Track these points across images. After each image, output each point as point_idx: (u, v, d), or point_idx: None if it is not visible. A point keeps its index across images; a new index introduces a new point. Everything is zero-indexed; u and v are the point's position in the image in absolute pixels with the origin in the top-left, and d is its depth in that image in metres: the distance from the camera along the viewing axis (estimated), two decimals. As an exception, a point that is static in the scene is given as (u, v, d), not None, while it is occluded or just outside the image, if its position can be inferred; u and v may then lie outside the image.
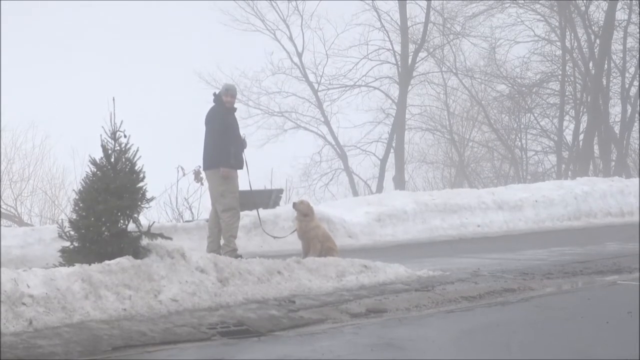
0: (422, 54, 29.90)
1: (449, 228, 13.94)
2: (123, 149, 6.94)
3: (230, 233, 9.75)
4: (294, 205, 9.83)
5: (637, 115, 28.61)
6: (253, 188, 10.71)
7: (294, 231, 10.04)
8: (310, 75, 30.86)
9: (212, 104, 10.29)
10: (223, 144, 9.84)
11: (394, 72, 30.34)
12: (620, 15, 28.44)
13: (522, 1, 29.76)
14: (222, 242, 9.82)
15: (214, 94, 10.36)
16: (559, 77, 29.58)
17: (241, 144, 10.08)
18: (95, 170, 6.91)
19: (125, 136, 6.96)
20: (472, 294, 7.16)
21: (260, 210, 12.09)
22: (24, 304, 5.57)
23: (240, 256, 8.83)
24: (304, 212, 9.57)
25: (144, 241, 6.80)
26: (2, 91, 26.13)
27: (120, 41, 46.08)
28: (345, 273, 7.65)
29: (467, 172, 33.24)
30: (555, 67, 29.96)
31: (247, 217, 11.50)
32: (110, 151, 6.94)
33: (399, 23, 29.39)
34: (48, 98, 39.05)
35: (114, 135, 6.94)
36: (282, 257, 7.99)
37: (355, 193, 29.41)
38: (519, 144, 31.89)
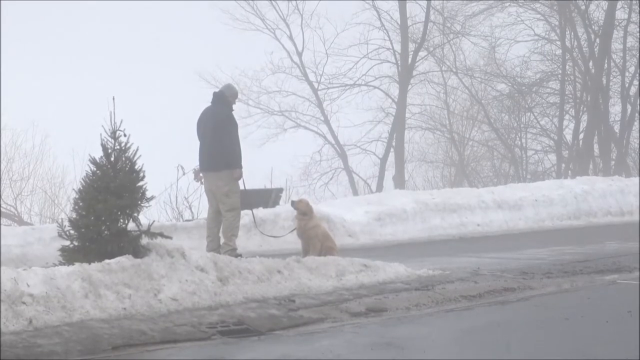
0: (422, 53, 29.88)
1: (449, 227, 13.93)
2: (123, 148, 6.94)
3: (232, 232, 9.73)
4: (293, 203, 9.84)
5: (637, 114, 28.59)
6: (253, 187, 10.70)
7: (293, 230, 10.04)
8: (310, 75, 30.88)
9: (208, 103, 10.13)
10: (237, 145, 9.79)
11: (394, 71, 30.35)
12: (620, 14, 28.44)
13: (522, 0, 29.76)
14: (221, 240, 9.80)
15: (214, 93, 10.22)
16: (559, 76, 29.55)
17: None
18: (95, 169, 6.91)
19: (125, 135, 6.96)
20: (472, 293, 7.16)
21: (261, 209, 12.09)
22: (23, 303, 5.57)
23: (240, 255, 8.82)
24: (302, 210, 9.57)
25: (144, 240, 6.80)
26: (2, 91, 26.04)
27: (120, 41, 46.09)
28: (345, 272, 7.65)
29: (467, 171, 33.23)
30: (555, 66, 29.94)
31: (247, 216, 11.49)
32: (110, 150, 6.94)
33: (399, 22, 29.37)
34: (48, 98, 39.06)
35: (113, 135, 6.94)
36: (282, 257, 8.00)
37: (355, 192, 29.40)
38: (519, 143, 31.87)
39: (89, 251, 6.64)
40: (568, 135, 30.07)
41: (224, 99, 9.99)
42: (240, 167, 9.78)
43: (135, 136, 7.04)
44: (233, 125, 9.86)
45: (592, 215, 15.81)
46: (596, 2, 28.52)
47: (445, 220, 14.08)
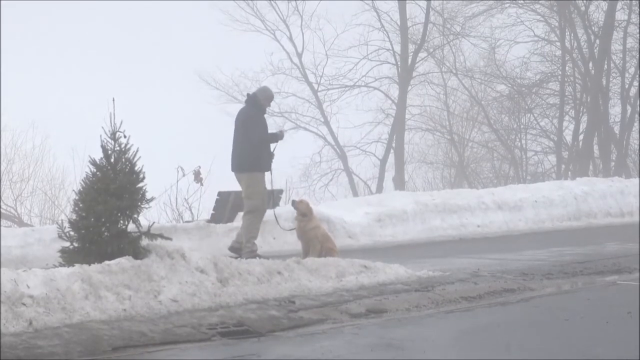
0: (422, 54, 29.87)
1: (449, 228, 13.93)
2: (123, 150, 6.94)
3: (250, 234, 9.84)
4: (293, 203, 9.86)
5: (637, 115, 28.58)
6: None
7: (292, 229, 10.06)
8: (310, 76, 30.88)
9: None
10: (265, 148, 9.92)
11: (394, 72, 30.33)
12: (620, 15, 28.43)
13: (522, 1, 29.77)
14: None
15: (247, 95, 10.41)
16: (559, 77, 29.54)
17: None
18: (95, 170, 6.91)
19: (125, 136, 6.96)
20: (472, 295, 7.16)
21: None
22: (23, 304, 5.57)
23: (259, 256, 8.91)
24: (302, 211, 9.58)
25: (144, 241, 6.80)
26: (2, 91, 26.01)
27: (120, 41, 46.04)
28: (345, 273, 7.65)
29: (467, 172, 33.21)
30: (555, 67, 29.93)
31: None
32: (110, 151, 6.94)
33: (399, 23, 29.37)
34: (48, 98, 39.05)
35: (113, 136, 6.94)
36: (282, 258, 8.00)
37: (355, 193, 29.39)
38: (519, 144, 31.87)
39: (89, 252, 6.64)
40: (568, 137, 30.09)
41: (254, 101, 10.17)
42: (259, 170, 9.87)
43: (135, 137, 7.04)
44: (258, 127, 9.95)
45: (592, 216, 15.81)
46: (596, 2, 28.57)
47: (445, 221, 14.08)
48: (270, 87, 11.45)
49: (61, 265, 6.59)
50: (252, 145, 9.88)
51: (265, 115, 10.46)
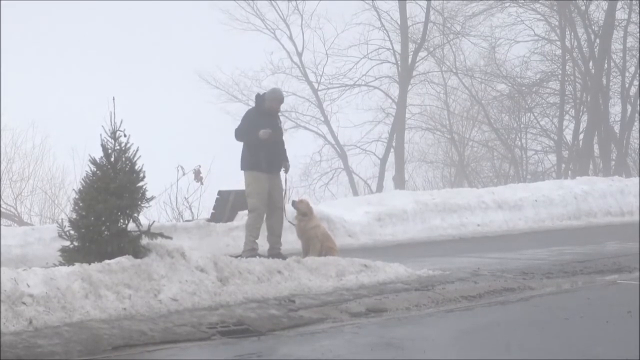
0: (422, 54, 29.87)
1: (449, 227, 13.93)
2: (123, 149, 6.94)
3: (249, 233, 9.77)
4: (293, 203, 9.85)
5: (637, 114, 28.58)
6: None
7: (293, 224, 10.06)
8: (310, 75, 30.87)
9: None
10: (246, 147, 9.84)
11: (394, 71, 30.34)
12: (620, 14, 28.43)
13: (522, 1, 29.76)
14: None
15: (257, 95, 10.39)
16: (559, 76, 29.53)
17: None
18: (95, 169, 6.91)
19: (125, 135, 6.96)
20: (472, 294, 7.16)
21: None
22: (24, 303, 5.57)
23: (259, 256, 8.86)
24: (302, 211, 9.58)
25: (144, 240, 6.80)
26: (2, 91, 26.00)
27: (120, 41, 46.09)
28: (345, 272, 7.65)
29: (467, 171, 33.22)
30: (555, 66, 29.92)
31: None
32: (110, 150, 6.94)
33: (399, 22, 29.37)
34: (48, 98, 39.06)
35: (113, 135, 6.94)
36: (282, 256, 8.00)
37: (355, 192, 29.40)
38: (519, 143, 31.86)
39: (89, 251, 6.64)
40: (568, 136, 30.09)
41: (259, 101, 10.10)
42: (245, 169, 9.80)
43: (135, 136, 7.04)
44: (243, 124, 9.93)
45: (592, 215, 15.81)
46: (596, 2, 28.56)
47: (445, 220, 14.08)
48: (281, 89, 11.28)
49: (61, 264, 6.59)
50: (245, 144, 9.85)
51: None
